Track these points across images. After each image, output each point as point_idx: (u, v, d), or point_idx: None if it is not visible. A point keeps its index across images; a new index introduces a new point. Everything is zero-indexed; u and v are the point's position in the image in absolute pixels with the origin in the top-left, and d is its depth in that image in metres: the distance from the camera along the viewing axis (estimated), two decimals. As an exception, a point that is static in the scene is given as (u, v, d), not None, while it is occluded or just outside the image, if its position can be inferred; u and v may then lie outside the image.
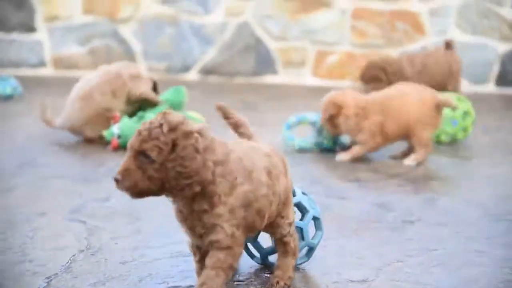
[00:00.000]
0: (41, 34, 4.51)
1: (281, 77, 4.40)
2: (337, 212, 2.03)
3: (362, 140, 2.58)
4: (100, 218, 1.92)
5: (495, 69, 4.11)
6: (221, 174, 1.37)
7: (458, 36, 4.14)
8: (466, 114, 2.82)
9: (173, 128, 1.35)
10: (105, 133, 2.66)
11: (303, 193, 1.69)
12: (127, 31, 4.50)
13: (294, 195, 1.66)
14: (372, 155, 2.69)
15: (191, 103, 3.17)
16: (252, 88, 4.24)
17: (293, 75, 4.41)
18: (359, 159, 2.63)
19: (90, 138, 2.72)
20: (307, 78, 4.40)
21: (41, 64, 4.52)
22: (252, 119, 3.43)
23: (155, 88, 2.87)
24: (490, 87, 4.11)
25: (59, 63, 4.53)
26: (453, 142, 2.86)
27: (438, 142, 2.85)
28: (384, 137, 2.58)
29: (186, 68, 4.49)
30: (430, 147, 2.58)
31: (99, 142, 2.69)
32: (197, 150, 1.34)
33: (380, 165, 2.56)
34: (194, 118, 2.90)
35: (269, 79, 4.41)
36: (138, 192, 1.36)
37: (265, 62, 4.44)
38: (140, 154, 1.33)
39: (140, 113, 2.68)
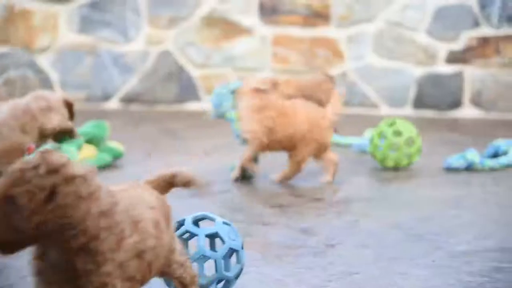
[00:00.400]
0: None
1: (204, 104, 4.37)
2: (259, 239, 2.01)
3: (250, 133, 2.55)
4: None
5: (412, 93, 4.24)
6: (107, 227, 1.21)
7: (376, 61, 4.25)
8: (411, 140, 2.76)
9: (52, 171, 1.17)
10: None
11: (225, 223, 1.64)
12: (44, 61, 4.37)
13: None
14: (295, 180, 2.69)
15: (112, 132, 3.09)
16: (175, 116, 4.19)
17: (216, 102, 4.39)
18: (279, 185, 2.61)
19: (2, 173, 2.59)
20: (230, 105, 4.39)
21: (-48, 96, 4.32)
22: (175, 147, 3.40)
23: (70, 111, 2.77)
24: (408, 110, 4.23)
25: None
26: (396, 168, 2.81)
27: (383, 166, 2.80)
28: (270, 139, 2.55)
29: (106, 97, 4.40)
30: (302, 166, 2.58)
31: None
32: (80, 197, 1.18)
33: (303, 190, 2.56)
34: (115, 149, 2.82)
35: (192, 106, 4.38)
36: (1, 248, 1.15)
37: (187, 89, 4.41)
38: (8, 199, 1.13)
39: (56, 145, 2.57)
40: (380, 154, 2.78)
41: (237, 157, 2.67)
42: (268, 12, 4.30)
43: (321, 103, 2.66)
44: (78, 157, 2.58)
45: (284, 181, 2.58)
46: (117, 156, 2.83)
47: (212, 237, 1.63)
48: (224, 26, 4.34)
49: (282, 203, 2.39)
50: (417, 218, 2.23)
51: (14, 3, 4.31)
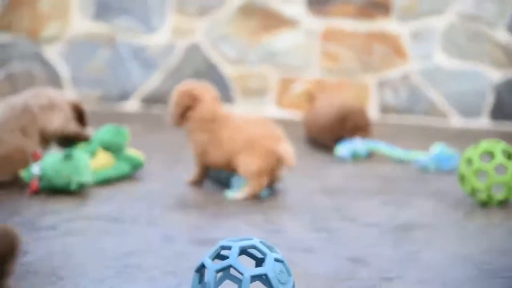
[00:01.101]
0: None
1: (238, 108, 4.44)
2: (301, 269, 2.05)
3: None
4: (14, 276, 1.89)
5: (489, 100, 4.23)
6: None
7: (445, 61, 4.26)
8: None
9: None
10: (23, 173, 2.64)
11: (277, 260, 1.63)
12: (52, 53, 4.50)
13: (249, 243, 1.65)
14: (344, 201, 2.73)
15: (130, 138, 3.17)
16: (203, 122, 4.27)
17: (252, 105, 4.46)
18: (329, 208, 2.66)
19: (2, 183, 2.69)
20: (269, 109, 4.45)
21: None
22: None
23: (81, 117, 2.85)
24: (483, 121, 4.22)
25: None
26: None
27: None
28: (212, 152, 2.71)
29: (124, 97, 4.50)
30: (260, 179, 2.66)
31: (13, 185, 2.65)
32: None
33: (354, 213, 2.60)
34: (134, 158, 2.90)
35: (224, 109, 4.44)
36: None
37: (219, 90, 4.48)
38: None
39: (67, 151, 2.66)
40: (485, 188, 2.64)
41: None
42: (317, 1, 4.36)
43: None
44: (90, 165, 2.66)
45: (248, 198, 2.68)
46: (136, 166, 2.91)
47: (258, 277, 1.63)
48: (263, 17, 4.41)
49: (328, 227, 2.44)
50: (490, 251, 2.25)
51: (20, -15, 4.45)
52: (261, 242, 1.67)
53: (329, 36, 4.39)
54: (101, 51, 4.49)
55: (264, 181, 2.67)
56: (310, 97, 3.90)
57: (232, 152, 2.68)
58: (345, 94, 4.14)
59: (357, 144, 3.35)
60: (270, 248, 1.68)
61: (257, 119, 2.82)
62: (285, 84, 4.44)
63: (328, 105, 3.67)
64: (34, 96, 2.74)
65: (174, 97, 2.82)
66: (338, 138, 3.48)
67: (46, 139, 2.73)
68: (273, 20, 4.41)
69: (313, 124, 3.67)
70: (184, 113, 2.78)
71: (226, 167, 2.72)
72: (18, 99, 2.73)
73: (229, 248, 1.66)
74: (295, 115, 4.37)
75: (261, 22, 4.41)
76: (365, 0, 4.32)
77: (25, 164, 2.66)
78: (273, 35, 4.42)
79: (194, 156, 2.78)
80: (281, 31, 4.41)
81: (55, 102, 2.74)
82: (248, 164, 2.65)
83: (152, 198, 2.66)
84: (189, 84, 2.88)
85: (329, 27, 4.38)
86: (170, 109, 2.81)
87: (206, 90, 2.87)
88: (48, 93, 2.79)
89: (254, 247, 1.67)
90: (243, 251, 1.66)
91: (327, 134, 3.55)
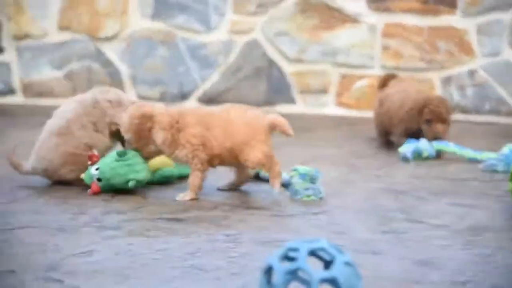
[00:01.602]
0: (9, 55, 4.57)
1: (298, 107, 4.42)
2: (369, 272, 2.03)
3: (184, 158, 2.61)
4: (81, 276, 1.92)
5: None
6: None
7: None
8: None
9: None
10: (83, 175, 2.67)
11: (347, 264, 1.61)
12: (111, 52, 4.55)
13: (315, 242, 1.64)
14: (410, 202, 2.69)
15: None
16: (262, 120, 4.27)
17: (312, 104, 4.44)
18: (394, 209, 2.62)
19: (68, 181, 2.73)
20: (329, 108, 4.42)
21: (9, 90, 4.57)
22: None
23: None
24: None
25: (29, 89, 4.58)
26: None
27: None
28: (209, 154, 2.60)
29: (183, 96, 4.53)
30: (274, 163, 2.63)
31: (79, 185, 2.69)
32: None
33: (421, 214, 2.56)
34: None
35: (283, 108, 4.44)
36: None
37: (278, 88, 4.47)
38: None
39: (120, 150, 2.67)
40: None
41: (333, 169, 2.69)
42: (378, -4, 4.31)
43: None
44: (145, 162, 2.67)
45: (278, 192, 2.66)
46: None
47: (327, 280, 1.61)
48: (323, 13, 4.39)
49: (395, 229, 2.40)
50: None
51: (79, -16, 4.52)
52: (329, 244, 1.66)
53: (391, 32, 4.34)
54: (159, 49, 4.53)
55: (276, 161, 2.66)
56: (383, 81, 3.62)
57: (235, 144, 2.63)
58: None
59: (422, 145, 3.28)
60: (339, 251, 1.66)
61: (228, 109, 2.71)
62: (346, 82, 4.40)
63: (403, 91, 3.39)
64: (101, 92, 2.79)
65: (132, 125, 2.61)
66: (412, 130, 3.27)
67: (115, 135, 2.77)
68: (333, 17, 4.38)
69: (385, 113, 3.41)
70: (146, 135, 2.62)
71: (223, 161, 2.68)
72: (87, 96, 2.78)
73: (297, 249, 1.64)
74: (356, 113, 4.34)
75: (321, 19, 4.38)
76: (428, -5, 4.26)
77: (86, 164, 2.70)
78: (333, 31, 4.39)
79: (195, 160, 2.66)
80: (341, 28, 4.38)
81: (122, 99, 2.78)
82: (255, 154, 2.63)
83: (214, 198, 2.67)
84: (135, 109, 2.66)
85: (391, 23, 4.32)
86: (132, 137, 2.63)
87: (146, 104, 2.72)
88: (114, 89, 2.85)
89: (322, 249, 1.65)
90: (311, 253, 1.65)
91: (402, 125, 3.31)
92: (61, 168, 2.70)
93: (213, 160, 2.65)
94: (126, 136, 2.65)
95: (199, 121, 2.63)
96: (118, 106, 2.76)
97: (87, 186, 2.67)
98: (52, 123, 2.75)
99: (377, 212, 2.58)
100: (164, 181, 2.79)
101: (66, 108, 2.76)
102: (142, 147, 2.64)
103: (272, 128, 2.69)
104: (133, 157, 2.63)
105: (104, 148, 2.75)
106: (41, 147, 2.73)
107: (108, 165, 2.62)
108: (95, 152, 2.68)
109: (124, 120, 2.62)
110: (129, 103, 2.78)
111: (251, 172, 2.77)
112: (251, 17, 4.44)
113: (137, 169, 2.62)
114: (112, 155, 2.66)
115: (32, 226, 2.29)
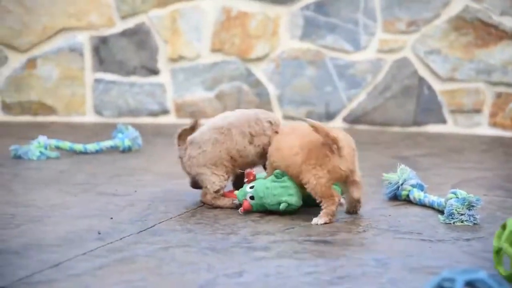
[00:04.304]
0: (164, 77, 4.77)
1: (449, 127, 4.31)
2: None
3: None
4: (232, 297, 1.95)
5: None
6: None
7: None
8: None
9: None
10: (237, 192, 2.73)
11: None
12: (261, 72, 4.64)
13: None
14: None
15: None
16: (410, 140, 4.19)
17: (464, 125, 4.31)
18: None
19: (199, 180, 2.80)
20: (483, 128, 4.27)
21: (163, 111, 4.77)
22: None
23: None
24: None
25: (182, 109, 4.75)
26: None
27: None
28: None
29: (329, 116, 4.53)
30: (332, 195, 2.52)
31: (198, 188, 2.78)
32: None
33: None
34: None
35: (433, 128, 4.34)
36: None
37: (429, 108, 4.38)
38: None
39: (278, 171, 2.71)
40: None
41: (487, 193, 2.57)
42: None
43: None
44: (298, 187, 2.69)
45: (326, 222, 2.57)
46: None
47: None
48: (478, 30, 4.26)
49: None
50: None
51: (231, 6, 4.65)
52: (488, 275, 1.59)
53: (550, 49, 4.14)
54: (308, 69, 4.56)
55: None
56: None
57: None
58: None
59: None
60: (500, 283, 1.59)
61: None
62: (501, 101, 4.24)
63: None
64: (263, 112, 2.87)
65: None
66: None
67: (261, 156, 2.81)
68: (489, 33, 4.23)
69: None
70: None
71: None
72: (249, 111, 2.87)
73: (453, 280, 1.59)
74: (510, 134, 4.16)
75: (476, 36, 4.25)
76: None
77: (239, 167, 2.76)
78: (489, 49, 4.24)
79: None
80: (498, 45, 4.22)
81: (277, 123, 2.84)
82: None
83: (363, 221, 2.64)
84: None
85: (550, 39, 4.13)
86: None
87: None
88: (274, 114, 2.92)
89: (481, 281, 1.59)
90: (468, 284, 1.59)
91: None
92: (205, 163, 2.78)
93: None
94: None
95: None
96: (275, 129, 2.81)
97: (238, 206, 2.73)
98: (215, 121, 2.84)
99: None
100: (310, 204, 2.80)
101: (229, 114, 2.85)
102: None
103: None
104: (289, 180, 2.67)
105: (249, 162, 2.80)
106: (199, 136, 2.81)
107: (264, 184, 2.67)
108: (253, 171, 2.73)
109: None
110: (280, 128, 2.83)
111: (356, 195, 2.68)
112: (401, 35, 4.38)
113: (291, 193, 2.65)
114: (269, 177, 2.70)
115: (185, 245, 2.35)
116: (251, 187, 2.68)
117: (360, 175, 2.64)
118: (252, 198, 2.68)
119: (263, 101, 4.58)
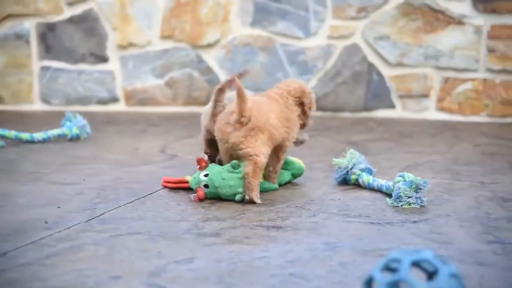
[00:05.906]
0: (113, 64, 4.72)
1: (397, 112, 4.36)
2: (475, 284, 1.97)
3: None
4: (184, 283, 1.95)
5: None
6: None
7: None
8: None
9: None
10: (190, 179, 2.72)
11: (453, 275, 1.59)
12: (211, 59, 4.63)
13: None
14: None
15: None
16: (361, 125, 4.23)
17: (413, 109, 4.37)
18: (501, 217, 2.55)
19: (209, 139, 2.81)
20: (431, 113, 4.34)
21: (113, 99, 4.72)
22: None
23: None
24: None
25: (132, 97, 4.71)
26: None
27: None
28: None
29: (281, 102, 4.54)
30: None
31: (180, 191, 2.75)
32: None
33: (529, 224, 2.47)
34: (296, 164, 2.92)
35: (382, 113, 4.39)
36: None
37: (378, 94, 4.43)
38: None
39: (234, 162, 2.70)
40: None
41: (435, 176, 2.61)
42: (483, -3, 4.20)
43: None
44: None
45: None
46: (298, 173, 2.93)
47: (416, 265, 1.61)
48: (426, 16, 4.31)
49: (502, 239, 2.33)
50: None
51: (180, -7, 4.61)
52: (433, 254, 1.62)
53: (497, 34, 4.21)
54: (258, 56, 4.57)
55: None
56: None
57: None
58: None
59: None
60: (443, 262, 1.63)
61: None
62: (448, 86, 4.31)
63: None
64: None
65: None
66: None
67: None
68: (437, 19, 4.29)
69: None
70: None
71: None
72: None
73: (399, 260, 1.62)
74: (458, 118, 4.23)
75: (424, 21, 4.31)
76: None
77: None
78: (437, 34, 4.30)
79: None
80: (445, 31, 4.29)
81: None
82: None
83: (313, 205, 2.66)
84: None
85: (497, 25, 4.20)
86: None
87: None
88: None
89: (426, 260, 1.62)
90: (414, 264, 1.62)
91: None
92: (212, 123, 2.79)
93: None
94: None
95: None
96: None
97: (191, 192, 2.72)
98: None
99: (482, 220, 2.51)
100: (265, 190, 2.81)
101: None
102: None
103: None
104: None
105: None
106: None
107: (219, 174, 2.65)
108: (205, 158, 2.72)
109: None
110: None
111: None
112: (351, 21, 4.42)
113: None
114: (224, 166, 2.69)
115: (135, 232, 2.35)
116: (205, 175, 2.67)
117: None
118: (206, 186, 2.67)
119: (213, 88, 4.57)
